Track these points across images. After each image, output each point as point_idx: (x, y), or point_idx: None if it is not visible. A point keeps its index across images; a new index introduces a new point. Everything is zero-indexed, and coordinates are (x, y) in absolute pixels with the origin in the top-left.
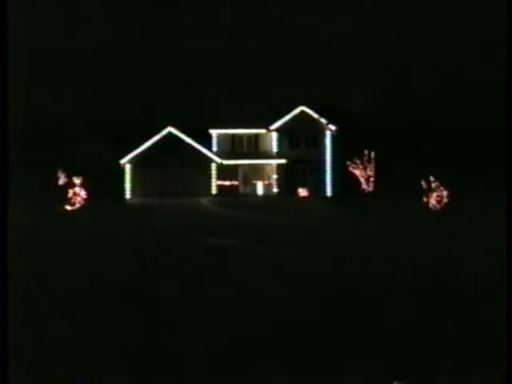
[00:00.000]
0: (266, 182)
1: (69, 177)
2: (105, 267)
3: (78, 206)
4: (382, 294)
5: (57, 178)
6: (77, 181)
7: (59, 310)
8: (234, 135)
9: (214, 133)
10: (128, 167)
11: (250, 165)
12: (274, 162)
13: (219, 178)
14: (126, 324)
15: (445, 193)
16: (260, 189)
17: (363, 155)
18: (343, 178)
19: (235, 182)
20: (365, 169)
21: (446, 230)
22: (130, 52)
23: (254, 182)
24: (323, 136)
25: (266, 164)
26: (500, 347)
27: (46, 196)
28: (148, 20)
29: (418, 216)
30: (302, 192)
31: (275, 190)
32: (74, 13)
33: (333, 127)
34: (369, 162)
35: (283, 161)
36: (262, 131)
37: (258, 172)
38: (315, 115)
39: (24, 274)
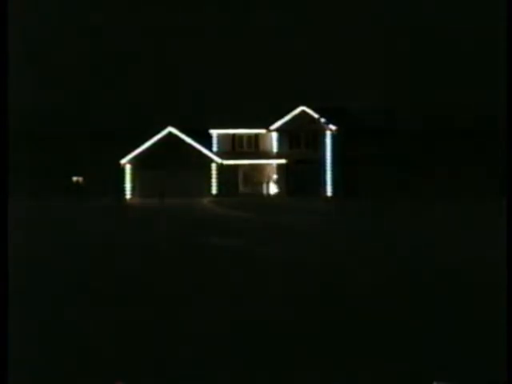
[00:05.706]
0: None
1: (69, 177)
2: (104, 267)
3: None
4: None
5: (57, 178)
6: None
7: (59, 309)
8: (234, 135)
9: (214, 133)
10: (128, 167)
11: (250, 165)
12: (274, 161)
13: (219, 177)
14: (127, 324)
15: None
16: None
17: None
18: (343, 178)
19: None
20: None
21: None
22: (130, 52)
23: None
24: (323, 136)
25: (266, 164)
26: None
27: (45, 196)
28: (148, 20)
29: None
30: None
31: (275, 190)
32: (73, 12)
33: (333, 127)
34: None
35: (283, 161)
36: (262, 131)
37: (258, 172)
38: (315, 115)
39: (23, 273)
